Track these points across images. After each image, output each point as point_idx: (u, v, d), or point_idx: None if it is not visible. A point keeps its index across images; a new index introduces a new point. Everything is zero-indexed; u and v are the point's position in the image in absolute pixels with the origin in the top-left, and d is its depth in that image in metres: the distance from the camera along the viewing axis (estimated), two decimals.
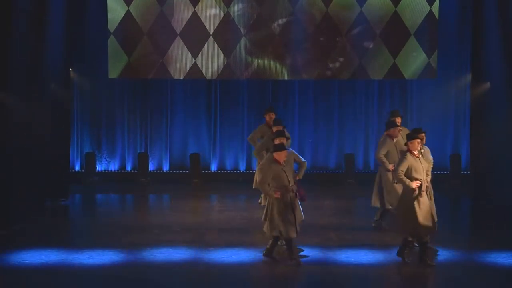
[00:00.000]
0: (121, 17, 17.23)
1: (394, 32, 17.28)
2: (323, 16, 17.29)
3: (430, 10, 17.26)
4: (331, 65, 17.50)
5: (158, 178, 18.01)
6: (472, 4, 15.90)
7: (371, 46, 17.34)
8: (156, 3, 17.27)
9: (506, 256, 10.92)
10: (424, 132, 10.88)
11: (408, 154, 10.36)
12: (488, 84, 14.90)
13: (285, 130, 12.08)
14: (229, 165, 18.38)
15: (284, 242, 10.76)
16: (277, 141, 10.91)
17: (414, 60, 17.35)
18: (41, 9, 13.74)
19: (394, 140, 12.33)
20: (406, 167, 10.25)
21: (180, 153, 18.32)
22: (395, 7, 17.23)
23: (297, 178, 11.21)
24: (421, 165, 10.32)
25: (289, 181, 10.40)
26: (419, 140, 10.39)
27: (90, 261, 10.61)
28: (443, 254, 10.99)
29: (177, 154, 18.33)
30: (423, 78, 17.63)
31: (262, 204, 12.65)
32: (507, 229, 12.78)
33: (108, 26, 17.21)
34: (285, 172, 10.42)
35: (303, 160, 11.66)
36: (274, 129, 12.14)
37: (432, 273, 10.28)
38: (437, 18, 17.27)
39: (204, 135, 18.31)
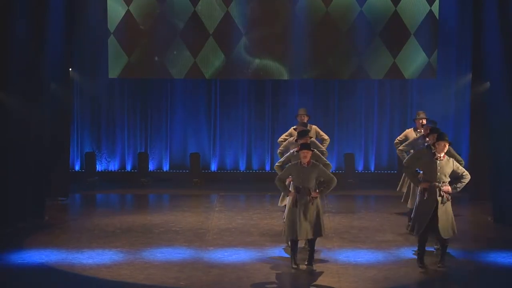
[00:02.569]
0: (121, 17, 17.23)
1: (394, 32, 17.29)
2: (323, 16, 17.30)
3: (430, 10, 17.27)
4: (331, 65, 17.52)
5: (158, 177, 18.01)
6: (472, 3, 15.89)
7: (371, 46, 17.35)
8: (156, 3, 17.28)
9: (506, 256, 10.93)
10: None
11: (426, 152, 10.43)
12: (488, 84, 14.89)
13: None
14: (229, 164, 18.39)
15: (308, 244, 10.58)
16: (301, 141, 10.83)
17: (414, 60, 17.36)
18: (41, 9, 13.71)
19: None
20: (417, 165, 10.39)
21: (180, 152, 18.33)
22: (395, 7, 17.24)
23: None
24: (436, 168, 10.14)
25: (305, 183, 10.22)
26: (445, 143, 10.17)
27: (90, 261, 10.62)
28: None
29: (177, 154, 18.33)
30: (423, 78, 17.65)
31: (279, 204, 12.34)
32: (507, 229, 12.79)
33: (108, 26, 17.22)
34: (304, 174, 10.22)
35: (327, 162, 11.02)
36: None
37: (431, 273, 10.29)
38: (437, 18, 17.29)
39: (204, 135, 18.31)
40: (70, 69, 16.21)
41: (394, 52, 17.35)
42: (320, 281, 9.95)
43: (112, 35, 17.25)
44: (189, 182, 17.50)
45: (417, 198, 10.36)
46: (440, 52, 17.40)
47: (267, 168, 18.31)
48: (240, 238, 12.08)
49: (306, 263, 10.32)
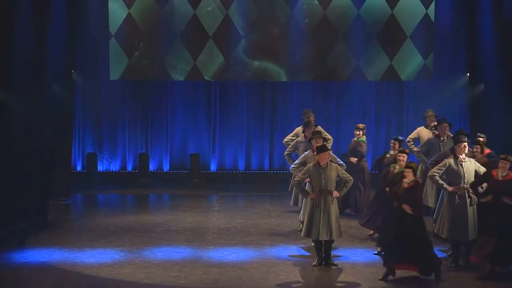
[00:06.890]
0: (122, 20, 17.37)
1: (391, 34, 17.44)
2: (321, 18, 17.45)
3: (426, 13, 17.41)
4: (328, 67, 17.65)
5: (159, 178, 18.13)
6: (467, 6, 16.02)
7: (368, 48, 17.50)
8: (156, 6, 17.42)
9: None
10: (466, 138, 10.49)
11: (450, 158, 10.37)
12: (482, 86, 15.01)
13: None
14: (228, 165, 18.50)
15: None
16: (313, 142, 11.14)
17: (411, 62, 17.51)
18: (43, 11, 13.86)
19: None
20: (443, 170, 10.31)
21: (180, 153, 18.42)
22: (392, 10, 17.38)
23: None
24: (462, 170, 10.22)
25: (327, 184, 10.37)
26: (464, 144, 10.26)
27: (92, 260, 10.73)
28: (442, 254, 11.11)
29: (177, 154, 18.43)
30: (419, 80, 17.78)
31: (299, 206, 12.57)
32: None
33: (110, 29, 17.35)
34: (323, 174, 10.35)
35: (341, 162, 11.40)
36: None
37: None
38: (433, 21, 17.43)
39: (204, 136, 18.42)
40: (72, 71, 16.35)
41: (390, 54, 17.49)
42: (319, 279, 10.08)
43: (113, 37, 17.39)
44: (189, 182, 17.61)
45: (446, 202, 10.38)
46: (436, 55, 17.53)
47: (266, 168, 18.45)
48: (239, 238, 12.19)
49: (323, 263, 10.50)
